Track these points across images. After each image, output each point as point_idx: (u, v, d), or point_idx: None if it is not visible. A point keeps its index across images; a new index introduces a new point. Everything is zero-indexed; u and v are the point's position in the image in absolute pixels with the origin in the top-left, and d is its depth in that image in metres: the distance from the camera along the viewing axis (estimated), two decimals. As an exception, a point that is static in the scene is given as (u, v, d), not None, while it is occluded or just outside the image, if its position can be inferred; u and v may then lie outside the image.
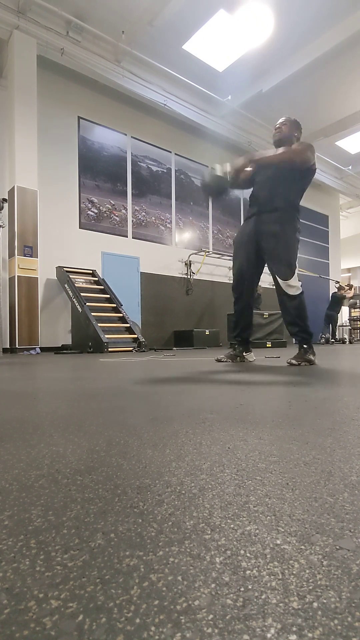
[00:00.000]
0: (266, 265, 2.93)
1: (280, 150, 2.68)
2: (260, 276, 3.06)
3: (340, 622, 0.26)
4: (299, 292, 2.70)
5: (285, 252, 2.73)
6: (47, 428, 0.86)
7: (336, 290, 10.46)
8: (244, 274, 2.96)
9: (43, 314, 6.71)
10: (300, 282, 2.77)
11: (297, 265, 2.81)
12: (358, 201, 14.19)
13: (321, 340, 9.77)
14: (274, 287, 2.81)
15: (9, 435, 0.81)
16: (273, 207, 2.77)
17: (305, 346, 2.72)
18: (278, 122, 2.89)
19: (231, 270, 10.08)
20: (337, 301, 10.30)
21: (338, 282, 10.64)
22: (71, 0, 6.14)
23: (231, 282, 3.11)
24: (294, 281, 2.70)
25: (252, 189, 2.97)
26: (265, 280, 2.95)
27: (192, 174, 9.60)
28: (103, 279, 7.11)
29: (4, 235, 6.18)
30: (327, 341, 9.94)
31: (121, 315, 6.44)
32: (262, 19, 6.48)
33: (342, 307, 10.60)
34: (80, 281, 6.74)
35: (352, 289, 10.58)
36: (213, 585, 0.30)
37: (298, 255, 2.85)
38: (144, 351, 5.69)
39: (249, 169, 2.69)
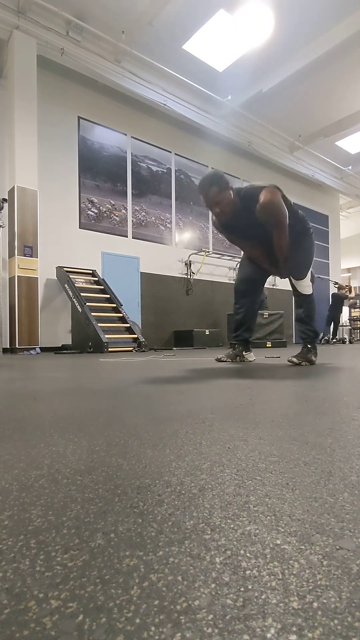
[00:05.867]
0: None
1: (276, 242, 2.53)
2: (266, 280, 3.10)
3: (340, 622, 0.26)
4: (310, 291, 2.78)
5: (299, 255, 2.73)
6: (47, 428, 0.86)
7: (336, 290, 10.48)
8: (252, 272, 2.97)
9: (43, 314, 6.71)
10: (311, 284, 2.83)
11: (311, 267, 2.83)
12: (358, 201, 14.19)
13: (322, 341, 9.78)
14: (272, 287, 2.86)
15: (9, 435, 0.81)
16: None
17: (309, 346, 2.76)
18: (207, 202, 2.58)
19: (231, 270, 10.02)
20: (338, 301, 10.31)
21: (337, 283, 10.65)
22: (71, 0, 6.14)
23: (231, 282, 3.13)
24: (306, 281, 2.77)
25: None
26: (267, 281, 2.98)
27: (192, 174, 9.60)
28: (103, 279, 7.11)
29: (4, 235, 6.18)
30: (327, 341, 9.95)
31: (121, 315, 6.44)
32: (262, 19, 6.48)
33: (343, 307, 10.62)
34: (80, 281, 6.74)
35: (352, 290, 10.60)
36: (213, 585, 0.30)
37: None
38: (144, 351, 5.69)
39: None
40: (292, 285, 2.84)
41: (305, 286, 2.75)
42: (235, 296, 3.07)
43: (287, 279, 2.90)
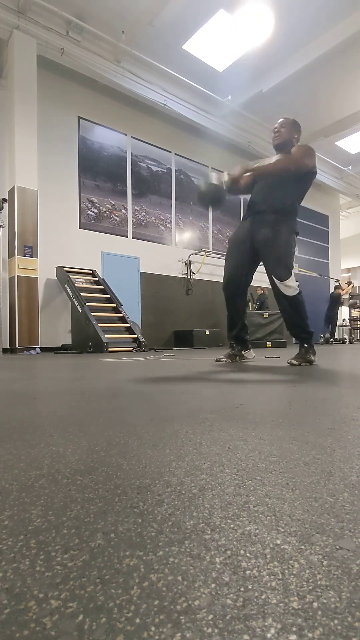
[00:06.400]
0: (263, 266, 2.91)
1: (275, 158, 2.65)
2: (253, 276, 3.02)
3: (340, 622, 0.26)
4: (296, 292, 2.67)
5: (281, 253, 2.71)
6: (47, 428, 0.86)
7: (334, 289, 10.51)
8: (237, 273, 2.94)
9: (43, 314, 6.71)
10: (298, 282, 2.76)
11: (294, 265, 2.80)
12: (358, 201, 14.19)
13: (320, 340, 9.79)
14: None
15: (9, 435, 0.81)
16: (269, 211, 2.75)
17: (305, 346, 2.73)
18: (277, 124, 2.87)
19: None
20: (334, 301, 10.33)
21: (338, 281, 10.67)
22: (71, 0, 6.14)
23: None
24: (291, 282, 2.68)
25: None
26: (266, 280, 2.92)
27: (192, 174, 9.60)
28: (103, 279, 7.11)
29: (4, 235, 6.18)
30: (326, 341, 9.96)
31: (121, 315, 6.44)
32: (262, 19, 6.48)
33: (341, 306, 10.64)
34: (80, 281, 6.74)
35: (350, 285, 10.60)
36: (213, 585, 0.30)
37: (298, 255, 2.84)
38: (144, 351, 5.69)
39: (248, 174, 2.66)
40: (276, 289, 2.72)
41: (289, 287, 2.65)
42: (225, 295, 3.04)
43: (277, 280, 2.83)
